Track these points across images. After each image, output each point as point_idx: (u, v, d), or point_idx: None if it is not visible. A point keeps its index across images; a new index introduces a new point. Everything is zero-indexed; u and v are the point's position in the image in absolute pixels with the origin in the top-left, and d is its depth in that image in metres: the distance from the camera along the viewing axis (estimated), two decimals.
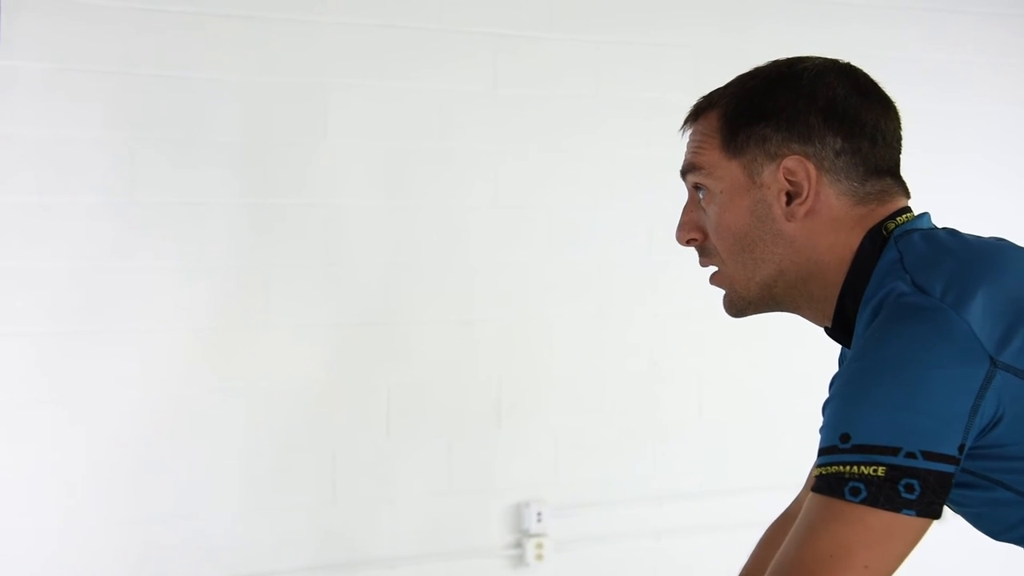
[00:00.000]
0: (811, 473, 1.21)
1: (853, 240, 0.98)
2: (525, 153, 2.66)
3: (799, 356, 2.63)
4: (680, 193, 2.89)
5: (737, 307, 1.07)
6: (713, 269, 1.09)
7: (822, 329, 1.07)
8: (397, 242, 2.56)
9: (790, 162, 0.99)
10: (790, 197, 1.00)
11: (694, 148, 1.06)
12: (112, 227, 2.34)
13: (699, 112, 1.07)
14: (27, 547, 2.25)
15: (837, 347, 1.14)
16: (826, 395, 0.94)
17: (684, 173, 1.08)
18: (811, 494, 0.89)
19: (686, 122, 1.08)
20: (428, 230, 2.58)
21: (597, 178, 2.73)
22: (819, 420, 2.95)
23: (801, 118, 0.99)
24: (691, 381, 2.82)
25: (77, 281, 2.31)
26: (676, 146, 2.93)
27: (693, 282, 2.73)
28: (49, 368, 2.28)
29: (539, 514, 2.63)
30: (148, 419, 2.36)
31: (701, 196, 1.07)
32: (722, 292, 1.08)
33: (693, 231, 1.08)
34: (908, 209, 1.01)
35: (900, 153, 1.03)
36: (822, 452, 0.89)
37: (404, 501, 2.57)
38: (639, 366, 2.77)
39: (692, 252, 2.93)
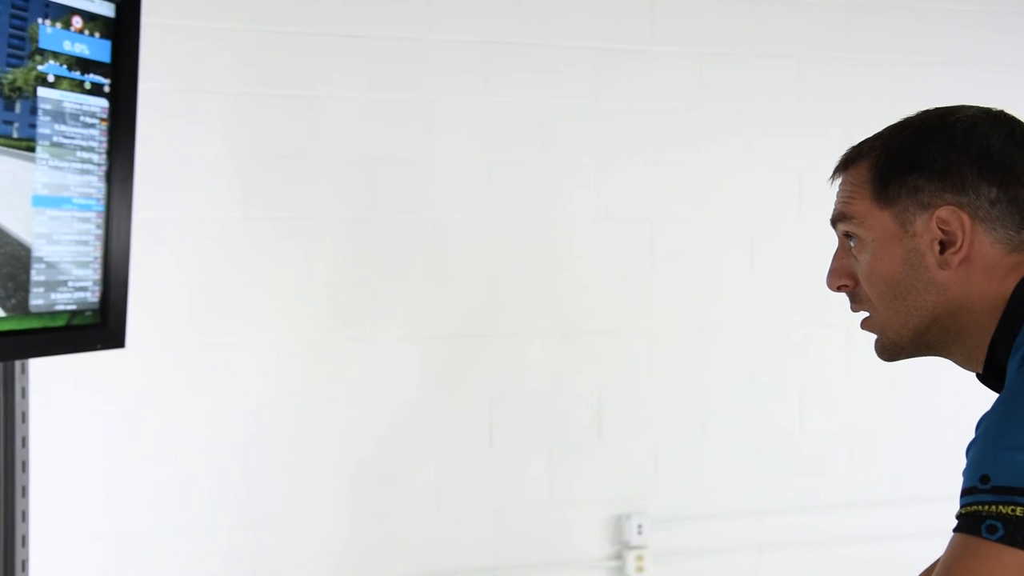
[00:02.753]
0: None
1: (1006, 287, 0.99)
2: (627, 166, 2.67)
3: (903, 370, 2.58)
4: (784, 207, 2.87)
5: (889, 352, 1.08)
6: (864, 314, 1.09)
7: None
8: (500, 255, 2.60)
9: (944, 212, 1.00)
10: (943, 246, 1.01)
11: (844, 198, 1.07)
12: (226, 242, 2.41)
13: (848, 162, 1.08)
14: (147, 547, 2.34)
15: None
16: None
17: (834, 222, 1.09)
18: (952, 534, 0.91)
19: (836, 172, 1.10)
20: (531, 243, 2.61)
21: (699, 191, 2.72)
22: (923, 435, 2.90)
23: (954, 168, 1.00)
24: (792, 394, 2.79)
25: (193, 294, 2.39)
26: (778, 157, 2.92)
27: (795, 295, 2.75)
28: (166, 378, 2.36)
29: (640, 526, 2.64)
30: (259, 427, 2.44)
31: (852, 244, 1.08)
32: (873, 336, 1.09)
33: (844, 277, 1.09)
34: None
35: None
36: (963, 493, 0.91)
37: (506, 511, 2.60)
38: (740, 379, 2.75)
39: (793, 267, 2.90)
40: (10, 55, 1.44)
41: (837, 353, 2.80)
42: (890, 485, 2.84)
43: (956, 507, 0.92)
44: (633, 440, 2.68)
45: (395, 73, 2.51)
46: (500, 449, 2.59)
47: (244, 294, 2.42)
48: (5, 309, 1.50)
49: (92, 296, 1.65)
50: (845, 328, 2.75)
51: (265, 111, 2.43)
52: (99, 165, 1.64)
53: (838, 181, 1.10)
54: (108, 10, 1.61)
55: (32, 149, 1.51)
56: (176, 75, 2.34)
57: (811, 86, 2.80)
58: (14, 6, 1.44)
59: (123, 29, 1.62)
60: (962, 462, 0.92)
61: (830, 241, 2.75)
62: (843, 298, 1.12)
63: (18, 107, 1.47)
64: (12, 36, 1.44)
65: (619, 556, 2.65)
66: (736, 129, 2.75)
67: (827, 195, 2.95)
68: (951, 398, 2.68)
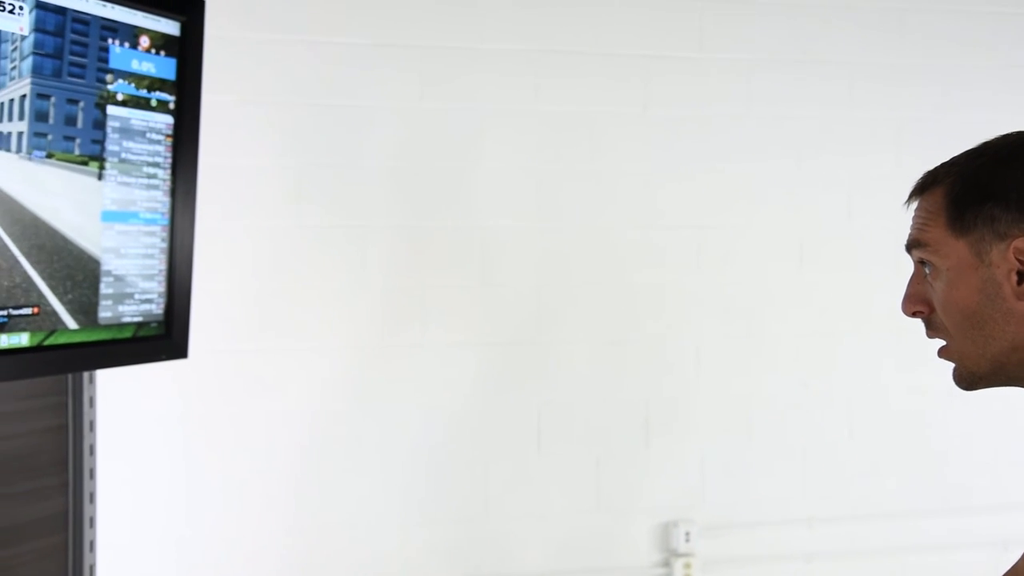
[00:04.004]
0: None
1: None
2: (675, 173, 2.67)
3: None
4: (832, 213, 2.85)
5: (968, 381, 1.06)
6: (941, 342, 1.08)
7: None
8: (549, 262, 2.61)
9: (1021, 242, 0.98)
10: (1021, 276, 0.99)
11: (919, 225, 1.06)
12: (279, 249, 2.45)
13: (924, 188, 1.06)
14: (207, 550, 2.39)
15: None
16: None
17: (909, 248, 1.08)
18: None
19: (910, 196, 1.08)
20: (579, 251, 2.62)
21: (747, 197, 2.72)
22: (977, 444, 2.86)
23: None
24: (841, 402, 2.78)
25: (246, 301, 2.43)
26: (828, 164, 2.90)
27: (842, 302, 2.74)
28: (222, 383, 2.41)
29: (687, 534, 2.64)
30: (309, 433, 2.47)
31: (927, 271, 1.06)
32: (951, 365, 1.07)
33: (919, 304, 1.07)
34: None
35: None
36: None
37: (554, 517, 2.62)
38: (789, 386, 2.75)
39: (842, 274, 2.87)
40: (98, 70, 1.49)
41: (887, 360, 2.78)
42: (942, 494, 2.81)
43: (1011, 517, 0.91)
44: (681, 447, 2.69)
45: (446, 82, 2.54)
46: (548, 455, 2.61)
47: (296, 301, 2.46)
48: (77, 321, 1.54)
49: (157, 308, 1.69)
50: (895, 335, 2.72)
51: (318, 121, 2.47)
52: (164, 180, 1.67)
53: (913, 205, 1.08)
54: (173, 28, 1.64)
55: (102, 166, 1.55)
56: (233, 86, 2.37)
57: (862, 92, 2.78)
58: (103, 28, 1.48)
59: (187, 47, 1.66)
60: (1017, 471, 0.90)
61: (879, 248, 2.73)
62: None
63: (107, 126, 1.52)
64: (99, 57, 1.49)
65: (666, 564, 2.66)
66: (785, 136, 2.74)
67: (876, 202, 2.94)
68: (1005, 406, 2.66)
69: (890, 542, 2.76)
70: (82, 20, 1.47)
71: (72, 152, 1.48)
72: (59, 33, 1.43)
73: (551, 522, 2.62)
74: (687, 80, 2.67)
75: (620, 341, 2.65)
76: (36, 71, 1.40)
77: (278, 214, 2.45)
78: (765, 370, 2.73)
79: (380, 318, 2.52)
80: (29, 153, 1.40)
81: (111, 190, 1.57)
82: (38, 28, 1.40)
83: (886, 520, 2.77)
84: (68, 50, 1.44)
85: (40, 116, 1.41)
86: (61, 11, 1.43)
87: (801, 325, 2.75)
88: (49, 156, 1.43)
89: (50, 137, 1.43)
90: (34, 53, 1.39)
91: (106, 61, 1.52)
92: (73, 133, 1.47)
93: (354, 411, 2.50)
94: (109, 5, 1.51)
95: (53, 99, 1.43)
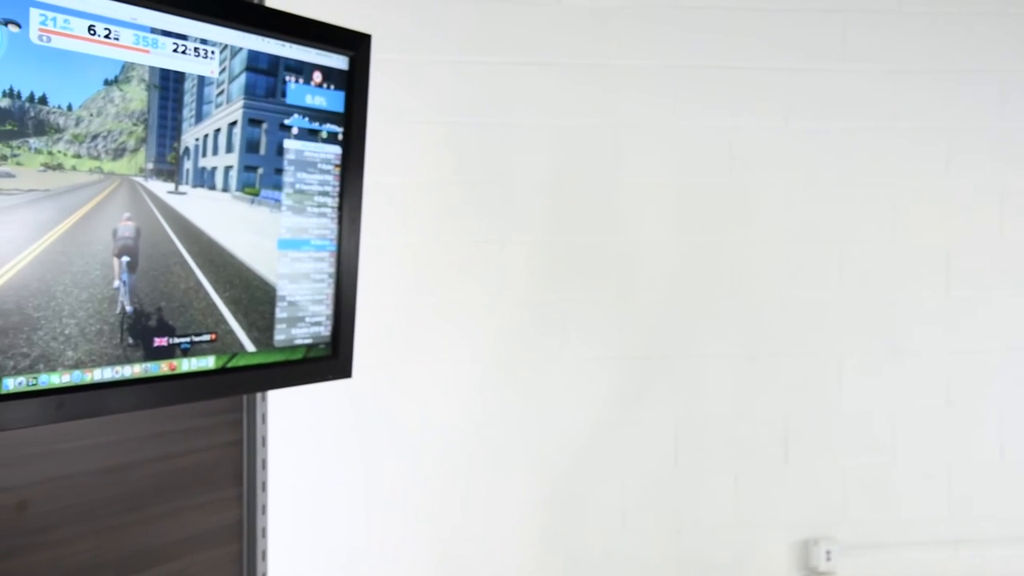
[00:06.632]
0: None
1: None
2: (817, 187, 2.63)
3: None
4: (982, 226, 2.76)
5: None
6: None
7: None
8: (687, 276, 2.61)
9: None
10: None
11: None
12: (423, 264, 2.52)
13: None
14: (363, 560, 2.47)
15: None
16: None
17: None
18: None
19: None
20: (718, 264, 2.61)
21: (892, 211, 2.66)
22: None
23: None
24: (991, 422, 2.69)
25: (391, 314, 2.51)
26: (978, 177, 2.82)
27: (993, 319, 2.65)
28: (366, 395, 2.48)
29: (828, 552, 2.60)
30: (450, 444, 2.53)
31: None
32: None
33: None
34: None
35: None
36: None
37: (691, 531, 2.62)
38: (934, 405, 2.68)
39: (993, 289, 2.79)
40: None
41: None
42: None
43: None
44: (822, 464, 2.65)
45: (585, 99, 2.56)
46: (685, 470, 2.61)
47: (437, 314, 2.52)
48: (255, 344, 1.62)
49: (325, 330, 1.76)
50: None
51: (460, 138, 2.52)
52: (332, 208, 1.75)
53: None
54: (343, 63, 1.71)
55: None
56: (383, 106, 2.44)
57: (1014, 102, 2.68)
58: (286, 68, 1.57)
59: (355, 80, 1.72)
60: None
61: None
62: None
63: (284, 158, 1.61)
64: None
65: None
66: (932, 147, 2.67)
67: None
68: None
69: None
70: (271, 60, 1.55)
71: (281, 187, 1.56)
72: (272, 55, 1.51)
73: (688, 536, 2.62)
74: (829, 93, 2.63)
75: (759, 356, 2.63)
76: (248, 92, 1.48)
77: (424, 229, 2.52)
78: (910, 387, 2.67)
79: (520, 332, 2.57)
80: (253, 196, 1.48)
81: (286, 219, 1.65)
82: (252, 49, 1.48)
83: None
84: (283, 64, 1.52)
85: (251, 147, 1.49)
86: (254, 55, 1.51)
87: (948, 342, 2.67)
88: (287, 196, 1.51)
89: (261, 171, 1.52)
90: (248, 69, 1.48)
91: (284, 97, 1.60)
92: (280, 164, 1.55)
93: (493, 424, 2.55)
94: (287, 44, 1.59)
95: (265, 125, 1.51)
